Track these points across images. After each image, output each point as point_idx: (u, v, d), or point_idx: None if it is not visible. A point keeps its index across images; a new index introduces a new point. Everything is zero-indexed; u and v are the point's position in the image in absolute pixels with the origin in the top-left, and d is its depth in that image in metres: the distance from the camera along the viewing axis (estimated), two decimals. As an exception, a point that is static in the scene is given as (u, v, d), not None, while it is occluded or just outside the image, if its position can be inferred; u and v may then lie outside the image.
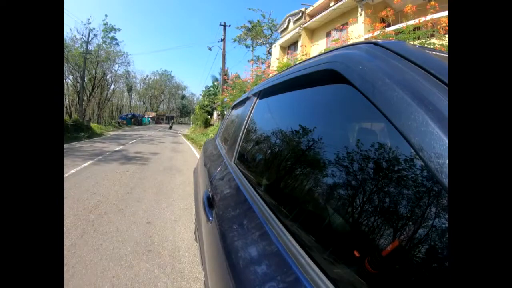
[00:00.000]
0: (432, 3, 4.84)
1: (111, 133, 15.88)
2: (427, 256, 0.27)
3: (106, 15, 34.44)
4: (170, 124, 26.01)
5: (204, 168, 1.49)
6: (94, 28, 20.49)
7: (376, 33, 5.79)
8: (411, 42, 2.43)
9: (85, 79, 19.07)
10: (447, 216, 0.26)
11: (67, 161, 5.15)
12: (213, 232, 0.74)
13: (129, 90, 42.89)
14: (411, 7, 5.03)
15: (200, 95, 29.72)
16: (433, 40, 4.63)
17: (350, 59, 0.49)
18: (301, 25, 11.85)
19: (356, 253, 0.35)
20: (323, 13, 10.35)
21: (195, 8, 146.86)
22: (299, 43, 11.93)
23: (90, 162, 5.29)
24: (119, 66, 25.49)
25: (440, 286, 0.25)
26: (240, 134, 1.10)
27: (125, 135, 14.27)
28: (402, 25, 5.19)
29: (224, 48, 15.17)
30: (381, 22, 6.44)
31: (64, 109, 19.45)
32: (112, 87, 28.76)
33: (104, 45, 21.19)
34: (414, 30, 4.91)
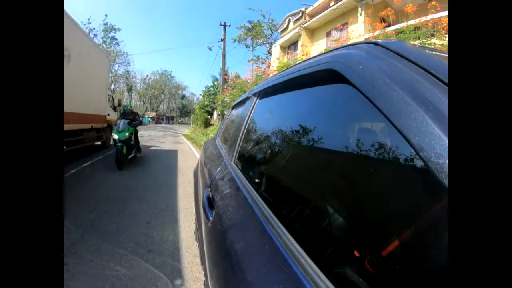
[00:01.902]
0: (433, 3, 4.84)
1: (111, 133, 15.82)
2: (427, 256, 0.27)
3: (106, 15, 34.46)
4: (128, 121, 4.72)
5: (204, 168, 1.49)
6: (94, 28, 20.53)
7: (376, 33, 5.79)
8: (412, 42, 2.43)
9: (85, 79, 19.01)
10: (447, 216, 0.26)
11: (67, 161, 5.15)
12: (213, 232, 0.74)
13: (129, 90, 42.86)
14: (412, 7, 5.03)
15: (200, 95, 29.33)
16: (434, 40, 4.63)
17: (350, 59, 0.49)
18: (301, 25, 11.85)
19: (356, 253, 0.35)
20: (323, 13, 10.35)
21: (195, 8, 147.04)
22: (299, 43, 11.93)
23: (90, 162, 5.29)
24: (119, 66, 25.56)
25: (440, 286, 0.25)
26: (240, 134, 1.11)
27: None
28: (402, 25, 5.19)
29: (224, 48, 15.18)
30: (381, 22, 6.44)
31: (64, 109, 19.33)
32: (112, 87, 28.77)
33: (104, 45, 21.22)
34: (414, 30, 4.91)
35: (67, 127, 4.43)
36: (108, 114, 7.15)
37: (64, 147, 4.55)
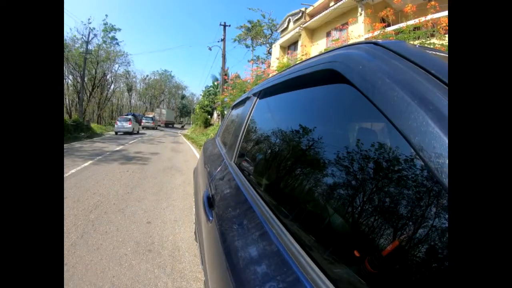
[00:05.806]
0: (433, 3, 4.84)
1: (111, 133, 15.86)
2: (427, 256, 0.27)
3: (106, 15, 34.34)
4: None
5: (204, 168, 1.49)
6: (94, 28, 20.49)
7: (376, 33, 5.79)
8: (411, 42, 2.43)
9: (85, 79, 19.05)
10: (447, 216, 0.26)
11: (67, 161, 5.15)
12: (213, 232, 0.74)
13: (129, 90, 42.79)
14: (411, 7, 5.03)
15: (200, 95, 30.15)
16: (433, 40, 4.63)
17: (350, 59, 0.49)
18: (301, 25, 11.84)
19: (356, 253, 0.35)
20: (323, 13, 10.35)
21: (195, 8, 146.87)
22: (299, 43, 11.93)
23: (90, 162, 5.29)
24: (119, 66, 25.56)
25: (440, 286, 0.25)
26: (240, 134, 1.10)
27: (125, 135, 14.26)
28: (402, 25, 5.19)
29: (224, 48, 15.17)
30: (381, 22, 6.43)
31: (64, 109, 19.46)
32: (112, 87, 28.85)
33: (104, 45, 21.17)
34: (414, 30, 4.91)
35: (167, 122, 33.25)
36: (174, 120, 37.81)
37: (163, 125, 31.61)
